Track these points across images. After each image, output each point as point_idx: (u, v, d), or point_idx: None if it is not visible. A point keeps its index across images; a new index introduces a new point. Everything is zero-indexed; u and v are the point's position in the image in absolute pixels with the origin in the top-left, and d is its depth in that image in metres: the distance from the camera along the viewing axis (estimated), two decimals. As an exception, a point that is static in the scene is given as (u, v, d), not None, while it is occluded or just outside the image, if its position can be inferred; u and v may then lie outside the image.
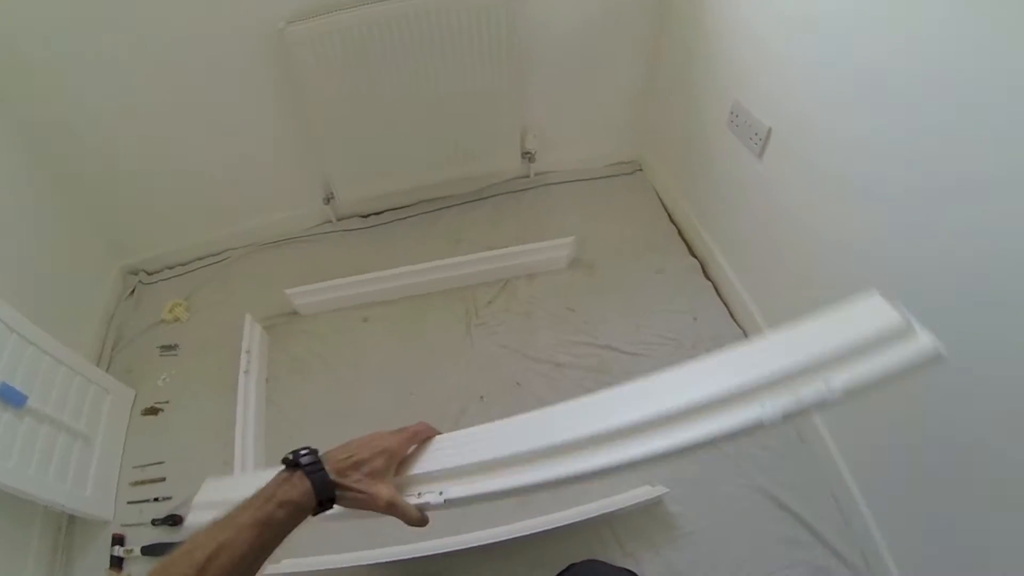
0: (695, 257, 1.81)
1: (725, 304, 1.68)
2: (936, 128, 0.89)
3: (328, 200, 1.93)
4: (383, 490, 0.62)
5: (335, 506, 0.62)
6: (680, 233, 1.89)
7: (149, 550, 1.30)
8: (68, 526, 1.36)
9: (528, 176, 2.07)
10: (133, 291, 1.87)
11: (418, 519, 0.64)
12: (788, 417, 0.53)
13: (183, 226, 1.88)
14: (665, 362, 0.70)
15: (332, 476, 0.61)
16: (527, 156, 1.95)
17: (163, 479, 1.43)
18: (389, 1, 1.43)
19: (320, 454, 0.63)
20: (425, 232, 1.97)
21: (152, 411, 1.57)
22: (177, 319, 1.78)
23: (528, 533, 1.21)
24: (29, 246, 1.54)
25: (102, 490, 1.38)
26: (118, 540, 1.32)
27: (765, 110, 1.33)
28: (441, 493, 0.66)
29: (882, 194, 1.03)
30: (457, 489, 0.66)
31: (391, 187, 1.90)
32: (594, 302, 1.69)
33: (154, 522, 1.35)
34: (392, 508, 0.62)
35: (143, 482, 1.43)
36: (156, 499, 1.39)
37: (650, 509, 1.30)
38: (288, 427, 1.52)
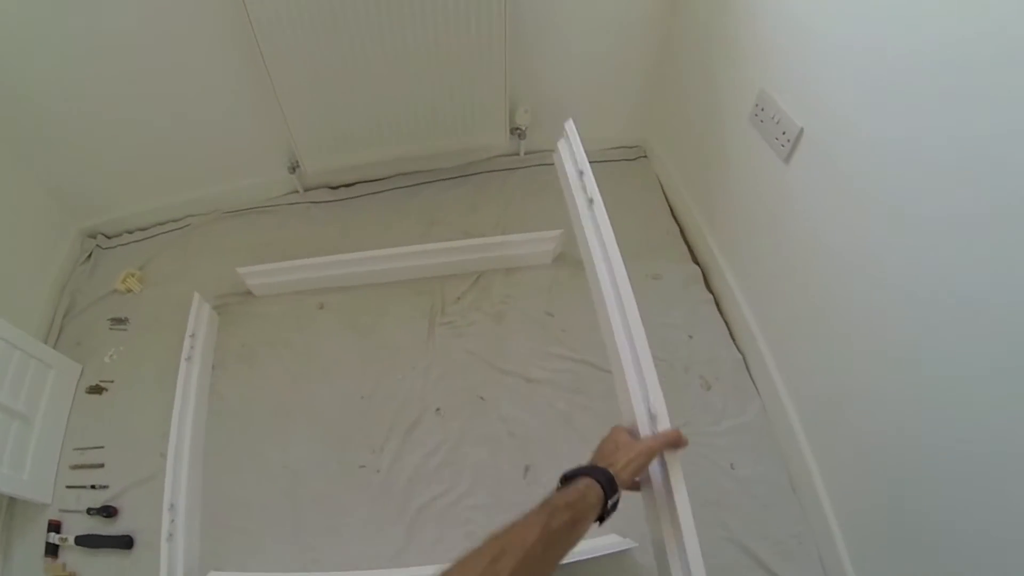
0: (697, 264, 1.61)
1: (726, 321, 1.49)
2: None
3: (293, 169, 1.75)
4: (645, 443, 0.72)
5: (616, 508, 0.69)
6: (683, 233, 1.68)
7: (83, 541, 1.22)
8: (8, 506, 1.30)
9: (517, 154, 1.85)
10: (90, 255, 1.74)
11: (675, 435, 0.73)
12: None
13: (144, 188, 1.74)
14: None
15: (602, 464, 0.70)
16: (517, 132, 1.74)
17: (101, 465, 1.35)
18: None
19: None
20: (398, 210, 1.77)
21: (96, 390, 1.46)
22: (129, 290, 1.64)
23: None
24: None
25: (41, 473, 1.31)
26: (54, 527, 1.25)
27: (797, 106, 1.11)
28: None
29: (931, 219, 0.83)
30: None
31: (361, 158, 1.69)
32: (577, 307, 1.50)
33: (89, 511, 1.27)
34: (656, 441, 0.72)
35: (82, 466, 1.35)
36: (93, 486, 1.31)
37: (617, 559, 1.15)
38: (230, 420, 1.39)
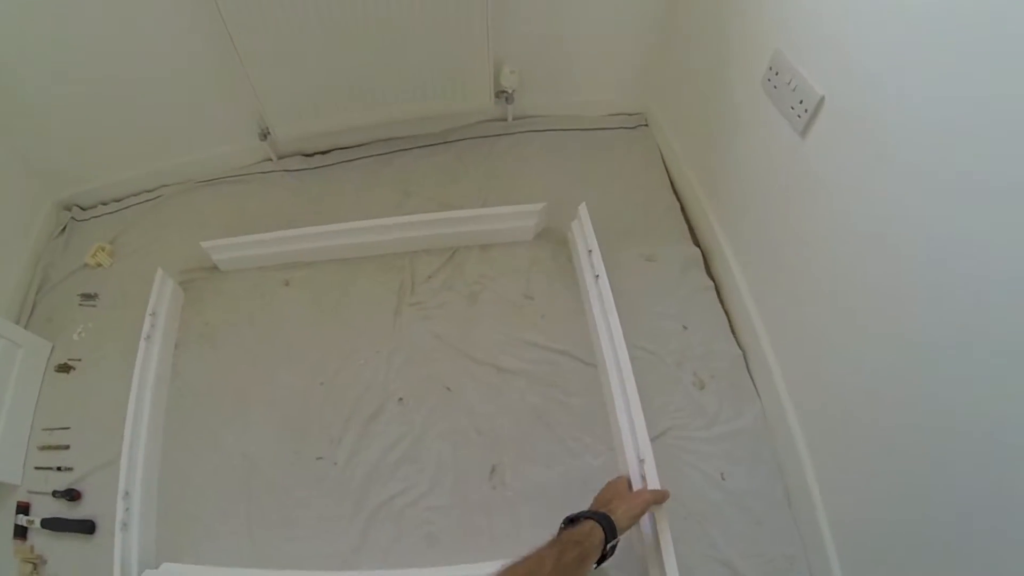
0: (698, 246, 1.45)
1: (726, 312, 1.35)
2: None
3: (264, 136, 1.61)
4: (643, 494, 0.85)
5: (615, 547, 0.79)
6: (683, 211, 1.52)
7: (48, 524, 1.18)
8: (-24, 488, 1.26)
9: (504, 120, 1.69)
10: (64, 228, 1.66)
11: (666, 492, 0.88)
12: None
13: (117, 158, 1.64)
14: (637, 381, 0.91)
15: (603, 510, 0.79)
16: (503, 95, 1.57)
17: (67, 447, 1.30)
18: None
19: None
20: (373, 179, 1.63)
21: (65, 368, 1.40)
22: (100, 264, 1.56)
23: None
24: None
25: (10, 454, 1.27)
26: (23, 508, 1.21)
27: (818, 70, 0.94)
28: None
29: (978, 203, 0.68)
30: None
31: (335, 124, 1.55)
32: (558, 291, 1.36)
33: (55, 494, 1.22)
34: (653, 495, 0.85)
35: (49, 447, 1.30)
36: (59, 468, 1.26)
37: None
38: (190, 403, 1.31)
